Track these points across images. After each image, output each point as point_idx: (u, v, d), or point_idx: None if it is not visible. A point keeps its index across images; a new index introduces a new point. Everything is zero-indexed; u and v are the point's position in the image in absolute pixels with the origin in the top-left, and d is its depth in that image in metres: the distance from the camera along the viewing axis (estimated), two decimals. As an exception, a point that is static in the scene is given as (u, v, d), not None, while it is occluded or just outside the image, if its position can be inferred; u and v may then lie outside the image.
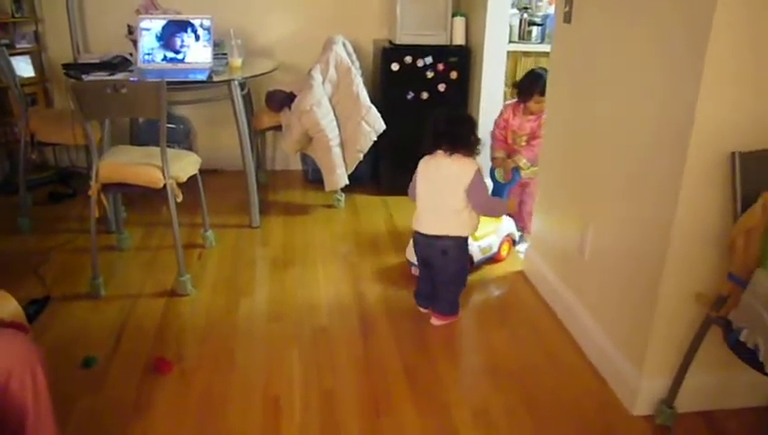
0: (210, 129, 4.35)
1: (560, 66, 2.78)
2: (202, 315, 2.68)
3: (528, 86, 3.32)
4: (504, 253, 3.21)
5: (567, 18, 2.66)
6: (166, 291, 2.86)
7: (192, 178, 2.98)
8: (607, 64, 2.34)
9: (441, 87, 3.91)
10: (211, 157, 4.21)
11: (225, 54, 3.64)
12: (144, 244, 3.35)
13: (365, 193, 4.10)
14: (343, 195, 3.88)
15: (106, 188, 2.74)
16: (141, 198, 3.71)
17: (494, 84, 3.84)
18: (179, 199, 2.76)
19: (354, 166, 3.76)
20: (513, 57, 3.77)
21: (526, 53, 3.81)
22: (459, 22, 3.91)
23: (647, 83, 2.07)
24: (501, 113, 3.51)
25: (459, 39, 3.92)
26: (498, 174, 3.45)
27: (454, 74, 3.90)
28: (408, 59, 3.83)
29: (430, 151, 2.57)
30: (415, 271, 2.96)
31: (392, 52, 3.84)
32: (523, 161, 3.34)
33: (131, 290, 2.87)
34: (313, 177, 4.15)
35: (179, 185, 2.78)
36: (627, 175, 2.20)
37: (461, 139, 2.52)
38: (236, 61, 3.53)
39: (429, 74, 3.88)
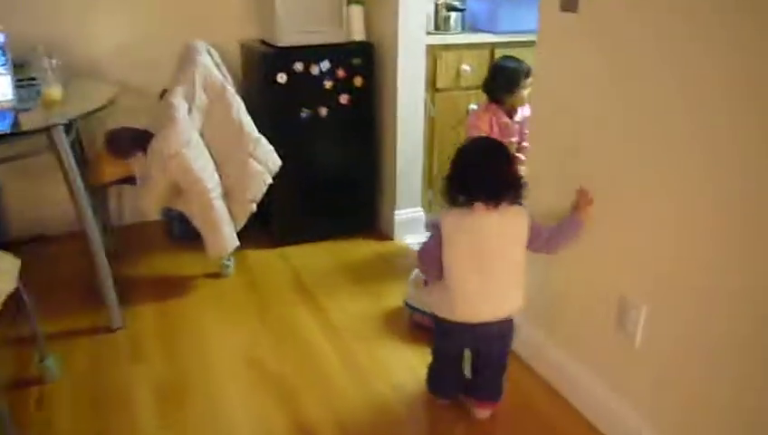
0: (24, 183, 3.10)
1: (555, 74, 1.98)
2: None
3: (508, 81, 2.68)
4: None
5: (569, 4, 1.86)
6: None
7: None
8: (643, 73, 1.58)
9: (344, 99, 2.99)
10: (31, 219, 3.06)
11: (35, 79, 2.46)
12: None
13: (255, 246, 3.09)
14: (232, 257, 2.86)
15: None
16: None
17: (413, 90, 2.98)
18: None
19: (246, 219, 2.76)
20: (431, 53, 2.96)
21: (446, 47, 3.01)
22: (357, 11, 2.99)
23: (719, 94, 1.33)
24: (474, 125, 2.74)
25: (359, 34, 3.01)
26: None
27: (358, 81, 3.00)
28: (299, 66, 2.86)
29: (454, 202, 1.78)
30: (422, 320, 2.34)
31: (276, 58, 2.85)
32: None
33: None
34: (181, 232, 3.06)
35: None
36: (688, 227, 1.46)
37: (508, 181, 1.75)
38: (53, 91, 2.36)
39: (328, 84, 2.94)
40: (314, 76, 2.90)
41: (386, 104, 3.07)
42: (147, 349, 2.36)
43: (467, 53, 3.06)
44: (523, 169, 2.68)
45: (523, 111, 2.73)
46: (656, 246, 1.69)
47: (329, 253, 3.09)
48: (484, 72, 3.09)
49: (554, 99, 1.99)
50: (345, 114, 3.01)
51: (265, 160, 2.69)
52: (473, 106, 3.05)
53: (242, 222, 2.74)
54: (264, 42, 3.01)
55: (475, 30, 3.19)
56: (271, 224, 3.09)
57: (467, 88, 3.10)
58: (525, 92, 2.67)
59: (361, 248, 3.14)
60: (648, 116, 1.65)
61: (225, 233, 2.63)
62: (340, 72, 2.94)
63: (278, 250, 3.09)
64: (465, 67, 3.05)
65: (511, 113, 2.75)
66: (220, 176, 2.63)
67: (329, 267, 2.97)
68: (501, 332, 1.85)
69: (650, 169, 1.67)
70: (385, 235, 3.25)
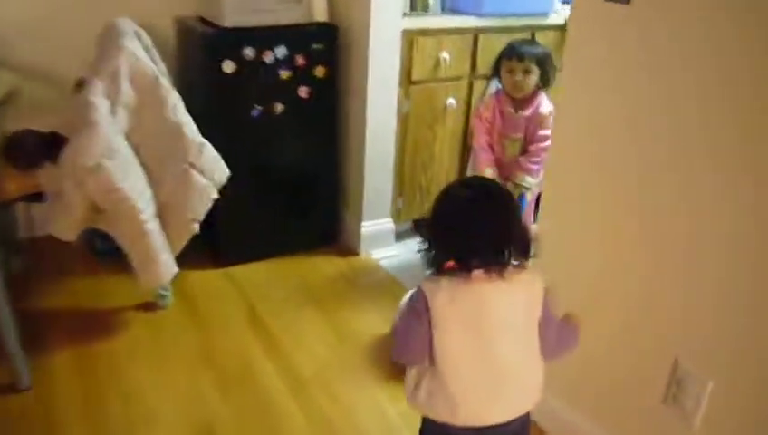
0: None
1: (594, 81, 1.57)
2: None
3: (497, 59, 2.40)
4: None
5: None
6: None
7: None
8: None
9: (303, 92, 2.50)
10: None
11: None
12: None
13: (197, 266, 2.58)
14: (169, 284, 2.36)
15: None
16: None
17: (386, 82, 2.52)
18: None
19: (186, 242, 2.26)
20: (407, 39, 2.50)
21: (424, 32, 2.56)
22: (319, -13, 2.50)
23: None
24: (477, 113, 2.49)
25: (321, 14, 2.52)
26: None
27: (320, 70, 2.51)
28: (250, 52, 2.34)
29: (443, 270, 1.27)
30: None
31: (221, 42, 2.33)
32: (527, 180, 2.37)
33: None
34: (105, 248, 2.49)
35: None
36: None
37: (513, 235, 1.26)
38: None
39: (284, 74, 2.44)
40: (268, 65, 2.39)
41: (353, 98, 2.60)
42: (63, 417, 1.87)
43: (447, 39, 2.61)
44: (529, 185, 2.37)
45: (538, 106, 2.39)
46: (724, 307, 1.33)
47: (285, 273, 2.63)
48: (466, 62, 2.67)
49: (588, 117, 1.59)
50: (305, 110, 2.53)
51: (211, 171, 2.19)
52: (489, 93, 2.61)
53: (181, 245, 2.24)
54: (204, 20, 2.48)
55: (457, 12, 2.73)
56: (216, 239, 2.58)
57: (446, 80, 2.67)
58: (510, 77, 2.35)
59: (323, 266, 2.69)
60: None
61: (160, 262, 2.13)
62: (300, 60, 2.45)
63: (225, 271, 2.60)
64: (445, 55, 2.61)
65: (521, 105, 2.39)
66: (154, 191, 2.12)
67: (286, 291, 2.51)
68: (515, 430, 1.43)
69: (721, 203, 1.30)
70: (350, 249, 2.80)
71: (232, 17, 2.33)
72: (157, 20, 2.55)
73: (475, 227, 1.24)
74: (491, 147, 2.46)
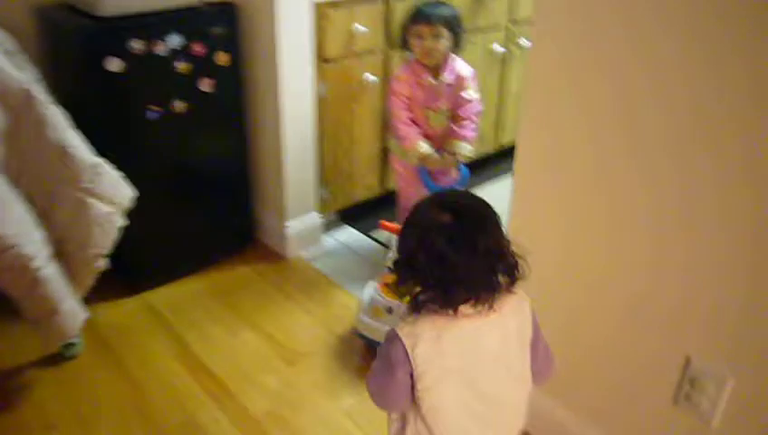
0: None
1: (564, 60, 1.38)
2: None
3: (403, 27, 2.20)
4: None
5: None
6: None
7: None
8: None
9: (206, 85, 2.16)
10: None
11: None
12: None
13: (108, 297, 2.21)
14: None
15: None
16: None
17: (298, 64, 2.23)
18: None
19: (92, 281, 1.90)
20: (317, 14, 2.19)
21: (334, 4, 2.26)
22: (208, -41, 2.13)
23: None
24: (393, 91, 2.24)
25: (214, -9, 2.16)
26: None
27: (223, 58, 2.17)
28: (138, 45, 1.96)
29: (419, 308, 1.07)
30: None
31: (100, 36, 1.92)
32: (467, 149, 2.24)
33: None
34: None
35: None
36: None
37: (505, 260, 1.07)
38: None
39: (181, 66, 2.08)
40: (161, 58, 2.03)
41: (262, 86, 2.28)
42: None
43: (360, 8, 2.34)
44: (469, 153, 2.24)
45: (457, 70, 2.23)
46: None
47: (211, 290, 2.32)
48: (380, 33, 2.42)
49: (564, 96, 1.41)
50: (210, 105, 2.18)
51: (111, 196, 1.83)
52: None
53: (87, 286, 1.89)
54: (73, 8, 2.05)
55: None
56: (126, 263, 2.20)
57: (362, 54, 2.41)
58: (420, 42, 2.15)
59: (251, 277, 2.40)
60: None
61: (63, 312, 1.77)
62: (198, 49, 2.10)
63: (141, 298, 2.25)
64: (359, 27, 2.34)
65: (438, 72, 2.21)
66: (46, 228, 1.74)
67: (215, 313, 2.21)
68: None
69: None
70: (275, 252, 2.52)
71: (110, 4, 1.93)
72: (6, 12, 2.08)
73: (464, 258, 1.03)
74: (414, 122, 2.26)
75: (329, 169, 2.51)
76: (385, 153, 2.61)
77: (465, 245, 1.02)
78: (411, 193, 2.30)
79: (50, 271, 1.72)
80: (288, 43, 2.18)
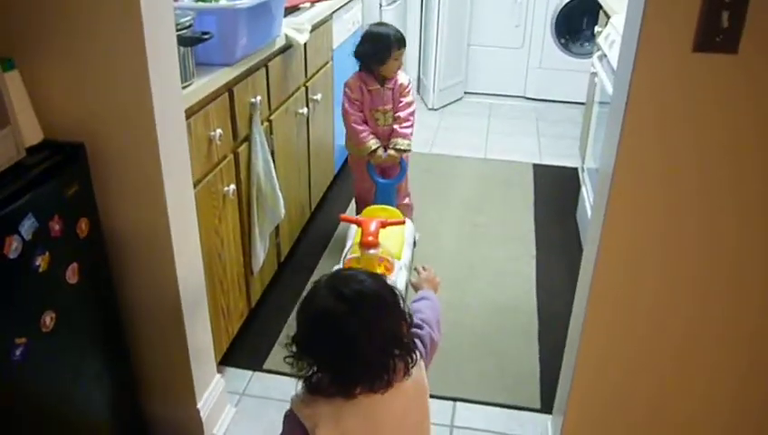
0: None
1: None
2: None
3: (378, 50, 2.53)
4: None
5: (728, 42, 1.13)
6: None
7: None
8: None
9: (71, 275, 1.39)
10: None
11: None
12: None
13: None
14: None
15: None
16: None
17: (186, 202, 1.62)
18: None
19: None
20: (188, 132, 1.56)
21: (191, 108, 1.62)
22: (14, 84, 1.36)
23: None
24: (346, 96, 2.61)
25: (33, 132, 1.39)
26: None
27: (84, 226, 1.43)
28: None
29: (317, 389, 1.13)
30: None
31: None
32: (406, 143, 2.61)
33: None
34: None
35: None
36: None
37: (401, 344, 1.12)
38: None
39: (41, 262, 1.30)
40: (15, 262, 1.24)
41: (146, 246, 1.58)
42: None
43: (213, 108, 1.80)
44: (408, 148, 2.61)
45: (398, 78, 2.62)
46: None
47: None
48: (228, 128, 1.93)
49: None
50: (76, 302, 1.44)
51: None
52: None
53: None
54: None
55: (209, 64, 1.85)
56: None
57: (220, 162, 1.88)
58: (396, 63, 2.57)
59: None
60: None
61: None
62: (56, 227, 1.35)
63: None
64: (216, 132, 1.81)
65: (383, 81, 2.60)
66: None
67: None
68: None
69: None
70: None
71: None
72: None
73: (359, 349, 1.05)
74: (365, 122, 2.61)
75: (219, 318, 1.93)
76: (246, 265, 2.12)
77: (361, 334, 1.04)
78: (364, 188, 2.72)
79: None
80: (174, 176, 1.55)
